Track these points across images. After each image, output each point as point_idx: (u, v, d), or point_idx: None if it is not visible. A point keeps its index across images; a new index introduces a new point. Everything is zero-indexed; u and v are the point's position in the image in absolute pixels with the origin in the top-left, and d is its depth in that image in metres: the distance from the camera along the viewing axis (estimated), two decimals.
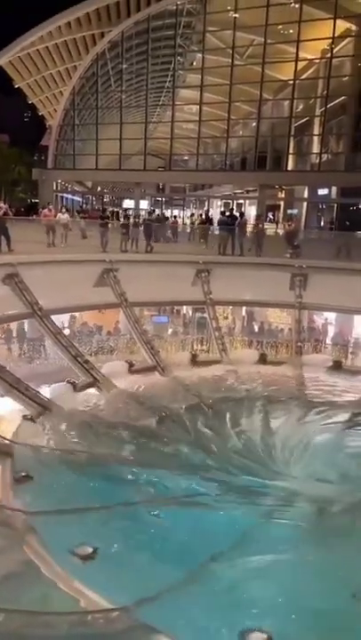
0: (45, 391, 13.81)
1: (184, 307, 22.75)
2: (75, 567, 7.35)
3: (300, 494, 10.07)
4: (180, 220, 32.75)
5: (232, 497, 9.96)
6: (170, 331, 21.95)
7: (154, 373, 16.71)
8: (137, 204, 41.57)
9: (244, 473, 10.90)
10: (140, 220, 23.12)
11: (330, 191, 36.01)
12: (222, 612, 6.67)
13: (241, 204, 43.13)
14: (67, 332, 17.69)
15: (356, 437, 12.89)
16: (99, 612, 6.54)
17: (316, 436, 12.78)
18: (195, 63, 38.69)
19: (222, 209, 39.35)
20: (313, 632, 6.62)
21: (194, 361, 18.02)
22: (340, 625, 6.74)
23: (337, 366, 17.43)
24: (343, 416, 13.89)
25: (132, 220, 21.94)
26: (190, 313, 22.77)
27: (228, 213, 22.30)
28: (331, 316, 21.30)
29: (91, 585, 6.96)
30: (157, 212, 37.34)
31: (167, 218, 28.75)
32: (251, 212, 39.26)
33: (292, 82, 34.72)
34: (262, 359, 18.22)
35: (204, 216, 27.21)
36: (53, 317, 15.96)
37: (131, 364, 16.59)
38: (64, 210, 23.99)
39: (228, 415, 13.68)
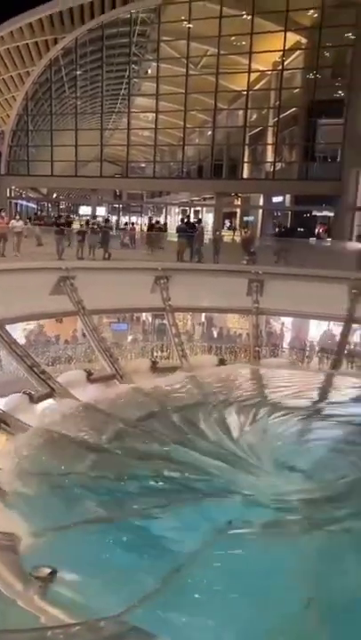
0: (0, 403, 13.40)
1: (143, 314, 22.69)
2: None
3: (268, 491, 10.16)
4: (137, 227, 32.73)
5: (198, 498, 9.97)
6: (129, 338, 21.82)
7: (113, 382, 16.53)
8: (94, 211, 41.24)
9: (210, 475, 10.91)
10: (98, 227, 22.92)
11: (284, 199, 36.88)
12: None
13: (198, 211, 43.54)
14: (22, 341, 17.26)
15: (315, 433, 13.17)
16: (59, 627, 6.36)
17: (277, 435, 13.00)
18: (150, 72, 38.88)
19: (180, 216, 39.69)
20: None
21: (154, 368, 17.96)
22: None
23: (293, 368, 17.82)
24: (300, 414, 14.14)
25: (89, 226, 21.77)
26: (150, 320, 22.74)
27: (185, 220, 22.49)
28: (287, 320, 21.76)
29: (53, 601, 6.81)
30: (114, 218, 37.37)
31: (125, 224, 28.77)
32: (208, 219, 39.74)
33: (245, 92, 35.44)
34: (221, 364, 18.37)
35: (148, 223, 27.35)
36: (8, 327, 15.54)
37: (89, 373, 16.34)
38: (17, 217, 23.50)
39: (189, 420, 13.66)
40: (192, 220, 36.77)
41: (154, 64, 37.39)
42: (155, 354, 19.21)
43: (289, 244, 21.60)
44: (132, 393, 15.75)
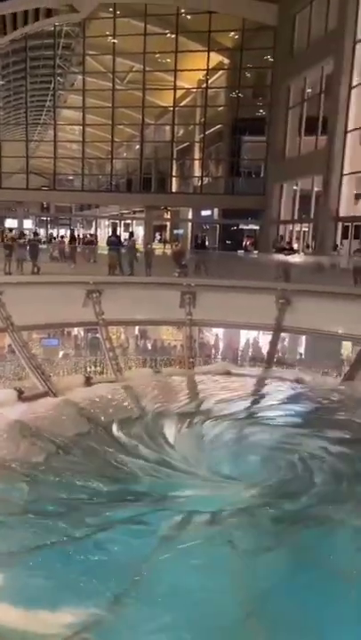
0: None
1: (75, 328, 22.29)
2: None
3: (207, 498, 10.26)
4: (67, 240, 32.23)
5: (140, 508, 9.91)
6: (61, 354, 21.33)
7: (46, 399, 16.05)
8: (20, 224, 40.13)
9: (148, 486, 10.88)
10: (26, 240, 22.34)
11: (212, 212, 37.85)
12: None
13: (129, 224, 43.62)
14: None
15: (251, 436, 13.54)
16: None
17: (213, 441, 13.22)
18: (75, 84, 38.71)
19: (110, 229, 39.57)
20: None
21: (88, 383, 17.64)
22: None
23: (227, 375, 18.24)
24: (235, 423, 14.46)
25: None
26: (82, 334, 22.37)
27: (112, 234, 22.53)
28: (220, 331, 22.25)
29: None
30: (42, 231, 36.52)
31: (54, 237, 28.25)
32: (139, 232, 39.89)
33: (171, 108, 36.20)
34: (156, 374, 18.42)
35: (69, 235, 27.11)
36: None
37: (20, 392, 15.77)
38: None
39: (127, 434, 13.55)
40: (123, 233, 36.92)
41: (79, 77, 37.32)
42: (88, 369, 18.90)
43: (207, 257, 22.02)
44: (66, 410, 15.34)
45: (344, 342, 19.18)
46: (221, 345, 22.21)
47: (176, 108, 36.28)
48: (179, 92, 36.12)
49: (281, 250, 22.21)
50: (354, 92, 24.61)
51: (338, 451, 12.38)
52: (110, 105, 35.92)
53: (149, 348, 22.10)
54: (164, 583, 7.78)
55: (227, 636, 7.01)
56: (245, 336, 22.39)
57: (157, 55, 35.47)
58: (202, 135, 36.66)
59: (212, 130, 36.74)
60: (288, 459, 12.09)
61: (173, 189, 37.63)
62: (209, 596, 7.47)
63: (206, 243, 33.57)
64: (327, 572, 8.26)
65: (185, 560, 8.31)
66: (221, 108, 36.43)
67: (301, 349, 21.18)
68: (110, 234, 26.11)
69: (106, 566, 8.25)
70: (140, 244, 27.85)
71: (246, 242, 35.63)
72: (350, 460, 11.95)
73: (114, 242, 22.20)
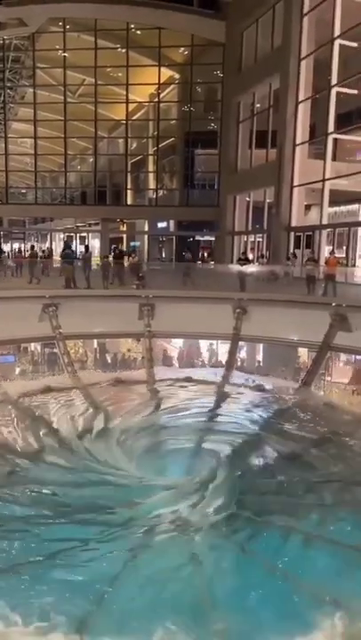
0: None
1: (32, 343, 21.84)
2: None
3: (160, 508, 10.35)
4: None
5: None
6: (17, 370, 20.87)
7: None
8: None
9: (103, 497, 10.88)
10: None
11: (168, 224, 38.14)
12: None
13: (84, 237, 43.29)
14: None
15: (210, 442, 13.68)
16: None
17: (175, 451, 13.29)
18: (26, 97, 38.31)
19: (64, 244, 39.09)
20: None
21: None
22: None
23: (188, 382, 18.37)
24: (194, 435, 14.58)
25: None
26: (39, 349, 21.96)
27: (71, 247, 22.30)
28: (180, 341, 22.37)
29: None
30: None
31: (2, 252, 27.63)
32: (95, 244, 39.67)
33: (124, 122, 36.41)
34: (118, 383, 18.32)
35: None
36: None
37: None
38: None
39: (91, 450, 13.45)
40: (79, 246, 36.58)
41: (30, 90, 36.95)
42: (46, 384, 18.53)
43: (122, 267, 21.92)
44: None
45: (300, 349, 19.65)
46: (181, 355, 22.32)
47: (129, 122, 36.54)
48: (131, 106, 36.41)
49: (237, 260, 22.65)
50: (301, 106, 25.54)
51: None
52: (62, 118, 35.75)
53: (109, 361, 21.93)
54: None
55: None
56: (205, 345, 22.60)
57: (109, 69, 35.66)
58: (155, 148, 37.00)
59: (166, 143, 37.17)
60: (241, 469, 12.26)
61: (129, 202, 37.71)
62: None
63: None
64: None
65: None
66: (174, 122, 36.93)
67: (259, 357, 21.55)
68: (65, 247, 25.80)
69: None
70: (96, 257, 27.74)
71: (202, 253, 36.09)
72: None
73: (69, 255, 22.01)
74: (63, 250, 22.35)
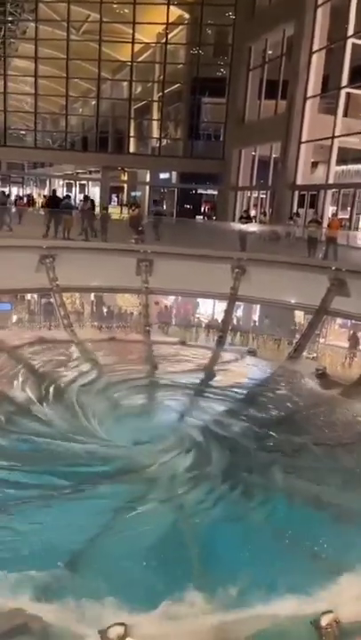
0: None
1: (28, 294, 21.75)
2: None
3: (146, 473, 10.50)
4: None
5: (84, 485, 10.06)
6: (14, 318, 20.90)
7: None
8: None
9: (91, 457, 11.03)
10: None
11: (171, 175, 37.17)
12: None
13: (84, 185, 42.30)
14: None
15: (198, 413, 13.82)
16: None
17: (163, 412, 13.52)
18: (28, 32, 36.30)
19: (65, 191, 38.28)
20: None
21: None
22: None
23: (182, 345, 18.42)
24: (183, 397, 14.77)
25: None
26: (36, 298, 21.88)
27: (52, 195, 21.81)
28: (176, 299, 22.32)
29: None
30: None
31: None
32: (95, 193, 38.82)
33: (129, 63, 34.73)
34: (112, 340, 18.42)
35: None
36: None
37: None
38: None
39: (77, 400, 13.66)
40: (79, 195, 35.84)
41: (32, 25, 35.00)
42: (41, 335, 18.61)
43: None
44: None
45: (296, 312, 19.64)
46: (178, 313, 22.32)
47: (134, 63, 34.84)
48: (137, 46, 34.60)
49: (239, 218, 22.23)
50: (314, 57, 24.35)
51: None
52: (65, 56, 34.06)
53: (105, 314, 21.92)
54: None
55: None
56: (202, 304, 22.55)
57: (115, 5, 33.68)
58: (160, 94, 35.50)
59: (172, 88, 35.59)
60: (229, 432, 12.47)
61: (131, 150, 36.53)
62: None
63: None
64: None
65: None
66: (181, 66, 35.19)
67: (255, 317, 21.58)
68: (64, 196, 25.20)
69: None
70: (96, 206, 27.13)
71: (205, 207, 35.43)
72: None
73: (68, 204, 21.54)
74: (62, 199, 21.85)
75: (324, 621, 6.43)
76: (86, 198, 23.30)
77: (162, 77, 34.85)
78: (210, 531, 8.85)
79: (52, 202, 21.19)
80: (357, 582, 7.35)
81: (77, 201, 28.06)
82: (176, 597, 6.88)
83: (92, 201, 22.47)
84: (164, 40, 34.05)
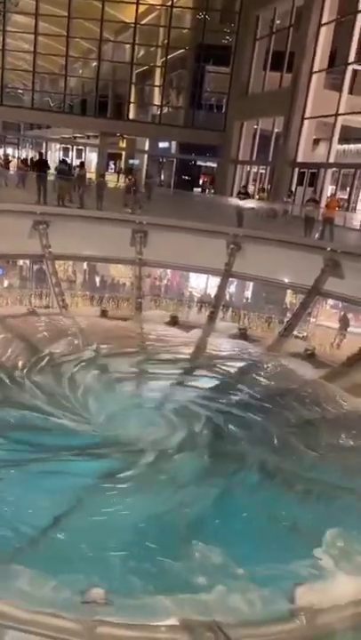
0: None
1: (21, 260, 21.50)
2: None
3: (128, 447, 10.60)
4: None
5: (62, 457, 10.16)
6: (5, 283, 20.74)
7: None
8: None
9: (70, 433, 11.05)
10: None
11: (170, 145, 36.45)
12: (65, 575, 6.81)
13: (81, 150, 41.40)
14: None
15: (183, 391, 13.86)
16: None
17: (149, 391, 13.55)
18: None
19: (62, 156, 37.48)
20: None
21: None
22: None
23: (174, 321, 18.35)
24: (176, 371, 14.80)
25: None
26: (28, 264, 21.65)
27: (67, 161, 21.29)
28: (170, 272, 22.19)
29: None
30: None
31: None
32: (92, 159, 38.09)
33: (133, 25, 33.56)
34: (104, 315, 18.32)
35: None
36: None
37: None
38: None
39: (66, 373, 13.65)
40: (75, 160, 35.10)
41: None
42: (32, 301, 18.52)
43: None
44: (7, 341, 15.15)
45: (289, 291, 19.64)
46: (171, 287, 22.26)
47: (138, 25, 33.65)
48: (142, 7, 33.35)
49: (237, 194, 21.95)
50: (323, 29, 23.69)
51: None
52: (66, 14, 32.81)
53: (97, 284, 21.79)
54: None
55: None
56: (195, 278, 22.46)
57: None
58: (164, 59, 34.46)
59: (175, 54, 34.54)
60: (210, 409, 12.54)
61: (131, 116, 35.65)
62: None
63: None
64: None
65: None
66: (186, 31, 34.08)
67: (248, 294, 21.56)
68: (60, 160, 24.69)
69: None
70: (92, 173, 26.65)
71: (203, 180, 34.92)
72: None
73: (64, 170, 21.13)
74: (59, 164, 21.40)
75: (297, 593, 6.61)
76: (82, 164, 22.85)
77: (166, 42, 33.80)
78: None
79: (38, 165, 20.67)
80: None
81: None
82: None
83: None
84: (170, 2, 32.88)
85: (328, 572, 7.11)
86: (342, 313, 18.83)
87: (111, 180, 30.41)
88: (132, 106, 35.41)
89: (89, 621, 5.51)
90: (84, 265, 22.47)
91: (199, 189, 34.60)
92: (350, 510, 8.80)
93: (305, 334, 17.58)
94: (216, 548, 7.45)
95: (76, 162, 32.69)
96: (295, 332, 17.26)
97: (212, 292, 19.85)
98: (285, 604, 6.40)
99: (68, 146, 42.35)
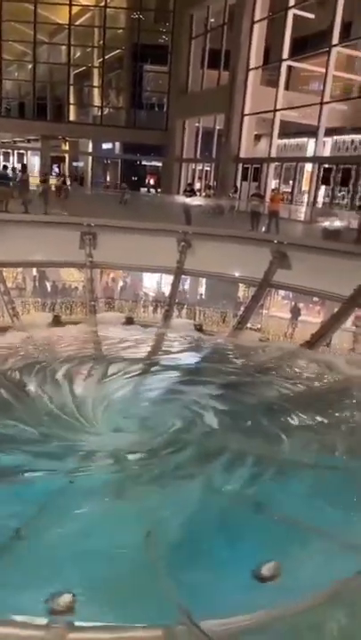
0: None
1: None
2: None
3: (102, 449, 10.50)
4: None
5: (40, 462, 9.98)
6: None
7: None
8: None
9: (47, 438, 10.88)
10: None
11: (114, 146, 36.25)
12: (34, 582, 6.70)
13: (23, 154, 40.52)
14: None
15: (150, 387, 13.92)
16: None
17: (116, 391, 13.46)
18: None
19: (2, 161, 36.54)
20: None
21: None
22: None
23: (129, 322, 18.28)
24: (138, 368, 14.78)
25: None
26: None
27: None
28: (122, 273, 22.07)
29: None
30: None
31: None
32: (34, 162, 37.37)
33: (67, 26, 33.14)
34: (57, 321, 18.02)
35: None
36: None
37: None
38: None
39: (29, 383, 13.36)
40: (16, 164, 34.33)
41: None
42: None
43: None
44: None
45: (241, 284, 19.95)
46: (124, 288, 22.14)
47: (72, 27, 33.27)
48: (75, 9, 33.02)
49: (183, 191, 22.09)
50: (256, 27, 24.21)
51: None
52: None
53: (49, 290, 21.38)
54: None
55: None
56: (148, 278, 22.45)
57: None
58: (101, 60, 34.24)
59: (112, 54, 34.42)
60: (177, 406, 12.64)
61: (71, 118, 35.22)
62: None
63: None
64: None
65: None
66: (121, 31, 34.00)
67: (202, 291, 21.75)
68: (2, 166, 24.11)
69: None
70: (36, 177, 26.03)
71: (149, 179, 34.94)
72: None
73: (4, 175, 20.63)
74: None
75: (265, 571, 6.74)
76: (24, 168, 22.38)
77: (102, 42, 33.59)
78: None
79: None
80: None
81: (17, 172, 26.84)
82: None
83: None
84: (103, 3, 32.70)
85: None
86: (293, 303, 19.33)
87: (55, 183, 29.90)
88: (72, 107, 34.98)
89: (59, 629, 5.43)
90: (34, 271, 22.00)
91: (145, 189, 34.61)
92: None
93: (259, 326, 17.93)
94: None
95: (18, 166, 31.93)
96: (249, 325, 17.57)
97: (167, 290, 19.91)
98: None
99: (9, 150, 41.35)
